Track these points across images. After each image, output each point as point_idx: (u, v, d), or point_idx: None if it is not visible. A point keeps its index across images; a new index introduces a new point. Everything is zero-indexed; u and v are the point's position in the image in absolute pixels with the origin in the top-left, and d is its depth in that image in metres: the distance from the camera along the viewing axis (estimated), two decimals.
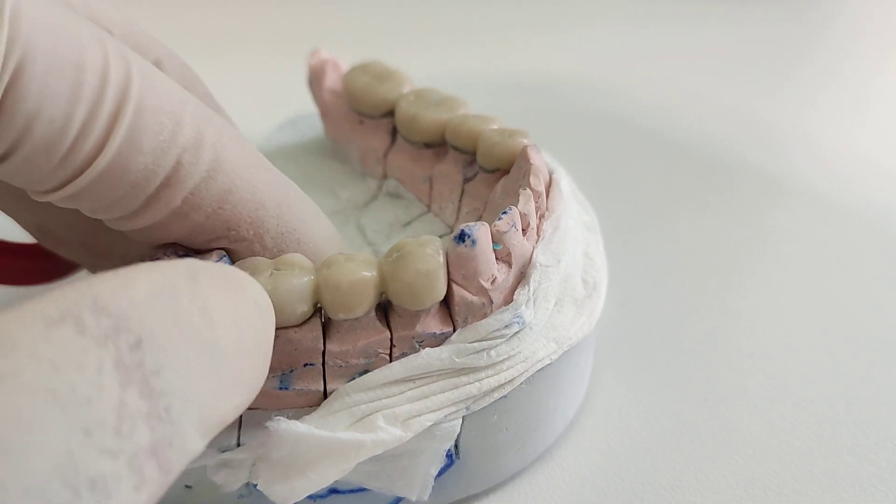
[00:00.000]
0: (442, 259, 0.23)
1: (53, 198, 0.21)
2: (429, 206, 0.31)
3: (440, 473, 0.25)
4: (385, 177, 0.32)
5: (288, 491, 0.23)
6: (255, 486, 0.24)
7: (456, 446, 0.25)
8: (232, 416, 0.18)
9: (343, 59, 0.35)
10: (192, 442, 0.16)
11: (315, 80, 0.34)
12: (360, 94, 0.32)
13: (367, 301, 0.23)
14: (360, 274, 0.22)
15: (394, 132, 0.32)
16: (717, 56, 0.63)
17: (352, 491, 0.25)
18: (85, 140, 0.19)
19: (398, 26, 0.67)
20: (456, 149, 0.30)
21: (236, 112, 0.46)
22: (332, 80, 0.34)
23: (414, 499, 0.24)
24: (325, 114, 0.34)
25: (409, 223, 0.31)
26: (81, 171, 0.20)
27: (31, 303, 0.14)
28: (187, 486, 0.24)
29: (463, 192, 0.30)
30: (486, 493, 0.27)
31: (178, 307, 0.16)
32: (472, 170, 0.30)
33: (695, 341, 0.33)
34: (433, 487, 0.25)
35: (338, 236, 0.26)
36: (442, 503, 0.26)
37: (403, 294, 0.23)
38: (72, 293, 0.15)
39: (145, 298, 0.16)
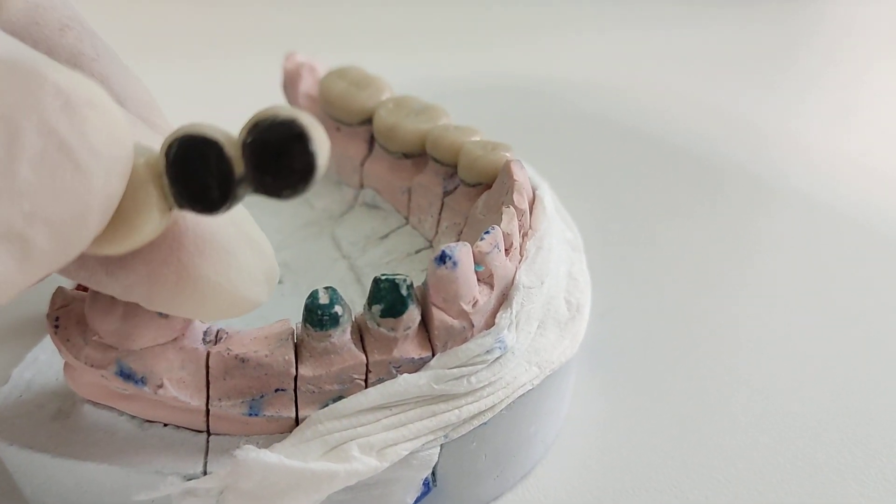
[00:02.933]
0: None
1: None
2: (407, 218, 0.30)
3: (416, 501, 0.24)
4: (362, 186, 0.31)
5: None
6: None
7: (433, 474, 0.24)
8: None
9: (320, 62, 0.34)
10: None
11: (290, 84, 0.33)
12: (337, 100, 0.31)
13: None
14: None
15: (371, 140, 0.31)
16: (703, 59, 0.63)
17: None
18: None
19: (377, 29, 0.66)
20: (436, 161, 0.29)
21: (208, 115, 0.45)
22: (307, 85, 0.32)
23: None
24: None
25: (386, 235, 0.30)
26: None
27: None
28: None
29: (443, 205, 0.29)
30: None
31: None
32: (453, 182, 0.29)
33: (677, 354, 0.33)
34: None
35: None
36: None
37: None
38: None
39: None
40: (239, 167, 0.16)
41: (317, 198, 0.32)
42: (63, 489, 0.23)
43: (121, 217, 0.17)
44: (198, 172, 0.16)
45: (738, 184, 0.45)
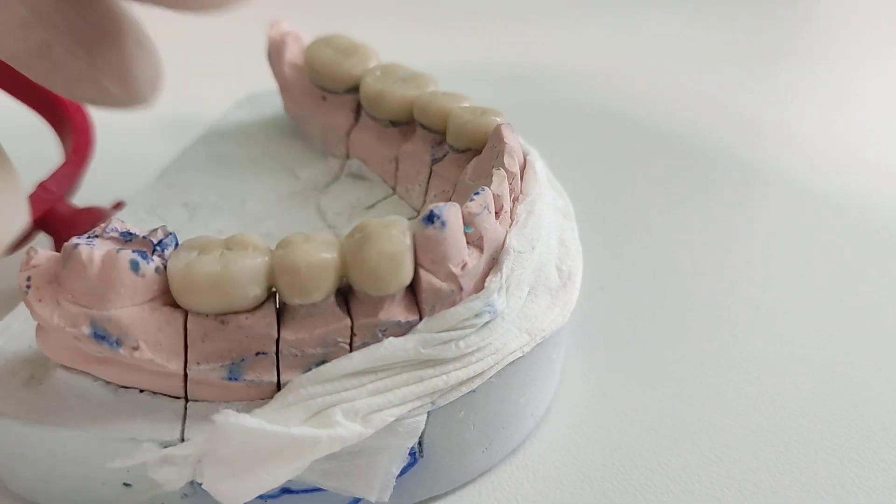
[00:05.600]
0: (409, 241, 0.21)
1: None
2: (394, 188, 0.30)
3: (402, 472, 0.23)
4: (348, 156, 0.31)
5: (236, 491, 0.21)
6: (201, 484, 0.22)
7: (420, 444, 0.23)
8: None
9: (305, 33, 0.33)
10: None
11: (275, 53, 0.32)
12: (323, 68, 0.30)
13: (327, 285, 0.21)
14: (319, 255, 0.21)
15: (358, 109, 0.31)
16: (697, 48, 0.62)
17: (306, 491, 0.23)
18: None
19: (368, 8, 0.65)
20: (424, 127, 0.28)
21: (194, 87, 0.44)
22: (292, 54, 0.32)
23: (374, 500, 0.23)
24: (284, 89, 0.32)
25: (372, 205, 0.29)
26: None
27: None
28: (126, 485, 0.23)
29: (431, 173, 0.28)
30: (450, 493, 0.25)
31: None
32: (441, 150, 0.28)
33: (668, 333, 0.32)
34: (394, 488, 0.23)
35: None
36: None
37: (366, 278, 0.21)
38: None
39: None
40: None
41: (302, 168, 0.31)
42: (35, 458, 0.23)
43: None
44: None
45: (729, 172, 0.45)
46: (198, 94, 0.43)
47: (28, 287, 0.21)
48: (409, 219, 0.28)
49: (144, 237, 0.21)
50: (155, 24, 0.23)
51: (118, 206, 0.32)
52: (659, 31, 0.65)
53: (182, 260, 0.21)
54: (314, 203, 0.30)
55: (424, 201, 0.28)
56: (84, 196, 0.33)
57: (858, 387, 0.30)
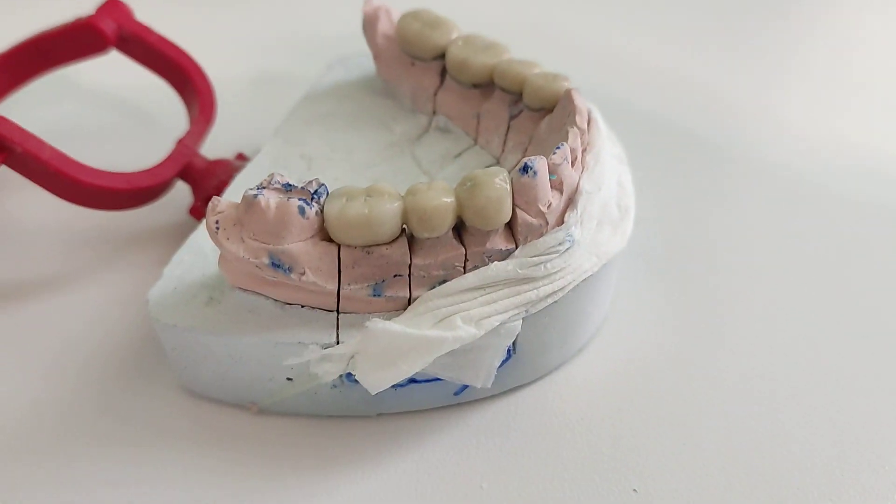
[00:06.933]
0: (508, 187, 0.27)
1: None
2: (475, 140, 0.35)
3: (500, 365, 0.29)
4: (434, 113, 0.36)
5: (380, 380, 0.27)
6: (347, 377, 0.28)
7: (514, 343, 0.29)
8: None
9: (392, 4, 0.38)
10: None
11: (369, 25, 0.37)
12: (413, 38, 0.35)
13: (447, 223, 0.27)
14: (441, 200, 0.27)
15: (443, 73, 0.36)
16: (679, 28, 0.59)
17: (427, 380, 0.29)
18: None
19: None
20: (503, 90, 0.34)
21: (286, 54, 0.49)
22: (384, 26, 0.37)
23: (479, 386, 0.29)
24: (377, 56, 0.38)
25: (459, 154, 0.35)
26: None
27: None
28: (288, 379, 0.29)
29: (509, 127, 0.34)
30: (534, 382, 0.32)
31: None
32: (517, 108, 0.34)
33: (698, 257, 0.38)
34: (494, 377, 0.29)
35: None
36: (498, 390, 0.31)
37: (476, 217, 0.27)
38: None
39: None
40: None
41: (395, 123, 0.37)
42: (217, 361, 0.29)
43: None
44: None
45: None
46: (292, 59, 0.49)
47: (217, 228, 0.27)
48: (489, 166, 0.34)
49: (303, 187, 0.27)
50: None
51: (240, 157, 0.38)
52: (643, 17, 0.60)
53: (336, 205, 0.27)
54: (409, 153, 0.35)
55: (503, 151, 0.34)
56: (206, 148, 0.39)
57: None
